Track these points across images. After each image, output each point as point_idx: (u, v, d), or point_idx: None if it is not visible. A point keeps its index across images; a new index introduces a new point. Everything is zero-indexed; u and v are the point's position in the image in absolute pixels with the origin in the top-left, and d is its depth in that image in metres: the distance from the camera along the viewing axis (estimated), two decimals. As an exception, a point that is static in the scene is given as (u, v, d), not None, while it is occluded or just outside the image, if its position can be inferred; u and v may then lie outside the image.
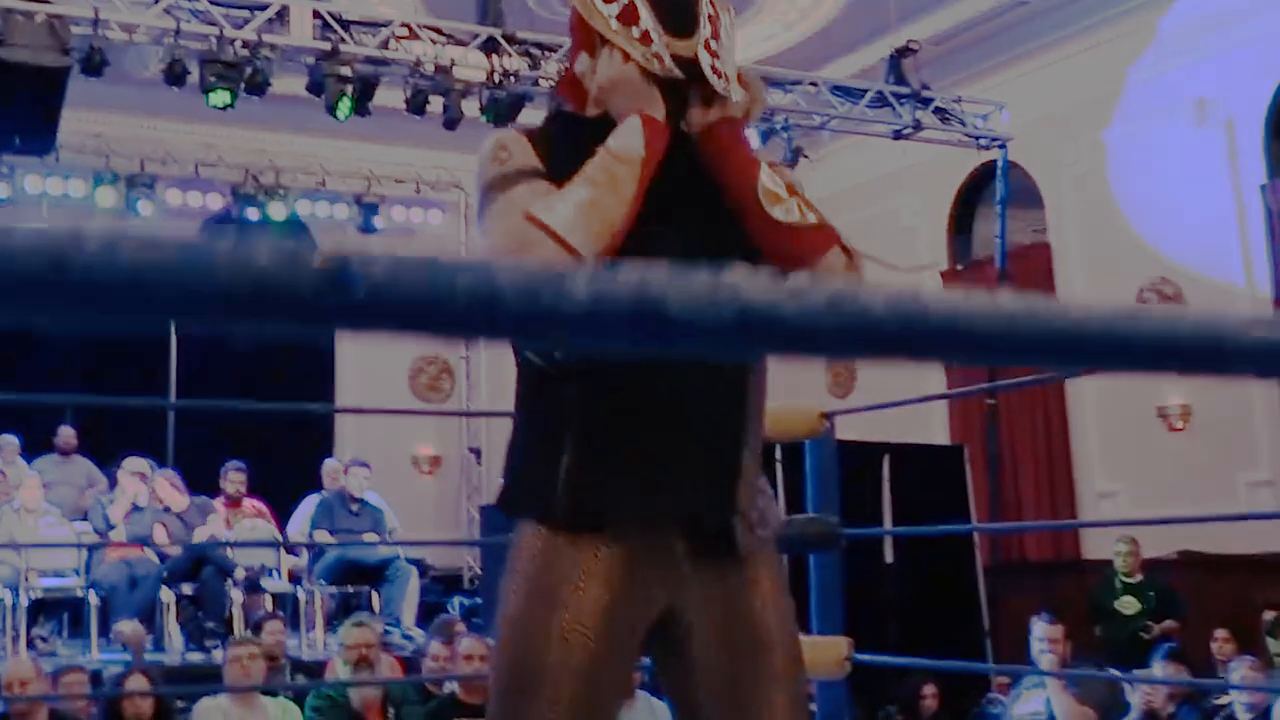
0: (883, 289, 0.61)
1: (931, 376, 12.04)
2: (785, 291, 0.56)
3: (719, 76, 1.95)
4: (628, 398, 1.92)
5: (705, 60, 1.95)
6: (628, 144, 1.89)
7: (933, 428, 11.71)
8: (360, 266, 0.52)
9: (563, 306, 0.51)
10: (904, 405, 4.49)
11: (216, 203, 12.78)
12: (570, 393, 1.94)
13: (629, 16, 1.96)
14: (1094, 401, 10.77)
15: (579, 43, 2.07)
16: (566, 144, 1.98)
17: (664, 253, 1.91)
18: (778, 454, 5.84)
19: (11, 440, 9.92)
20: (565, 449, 1.92)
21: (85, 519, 9.41)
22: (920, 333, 0.61)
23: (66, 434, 10.33)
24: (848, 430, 9.44)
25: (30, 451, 10.10)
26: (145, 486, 9.13)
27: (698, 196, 1.99)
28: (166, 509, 9.10)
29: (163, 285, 0.52)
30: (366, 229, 13.33)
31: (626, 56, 1.94)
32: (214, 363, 12.24)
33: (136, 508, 9.04)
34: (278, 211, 12.70)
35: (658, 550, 1.93)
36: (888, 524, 8.26)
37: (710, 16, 1.98)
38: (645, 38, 1.95)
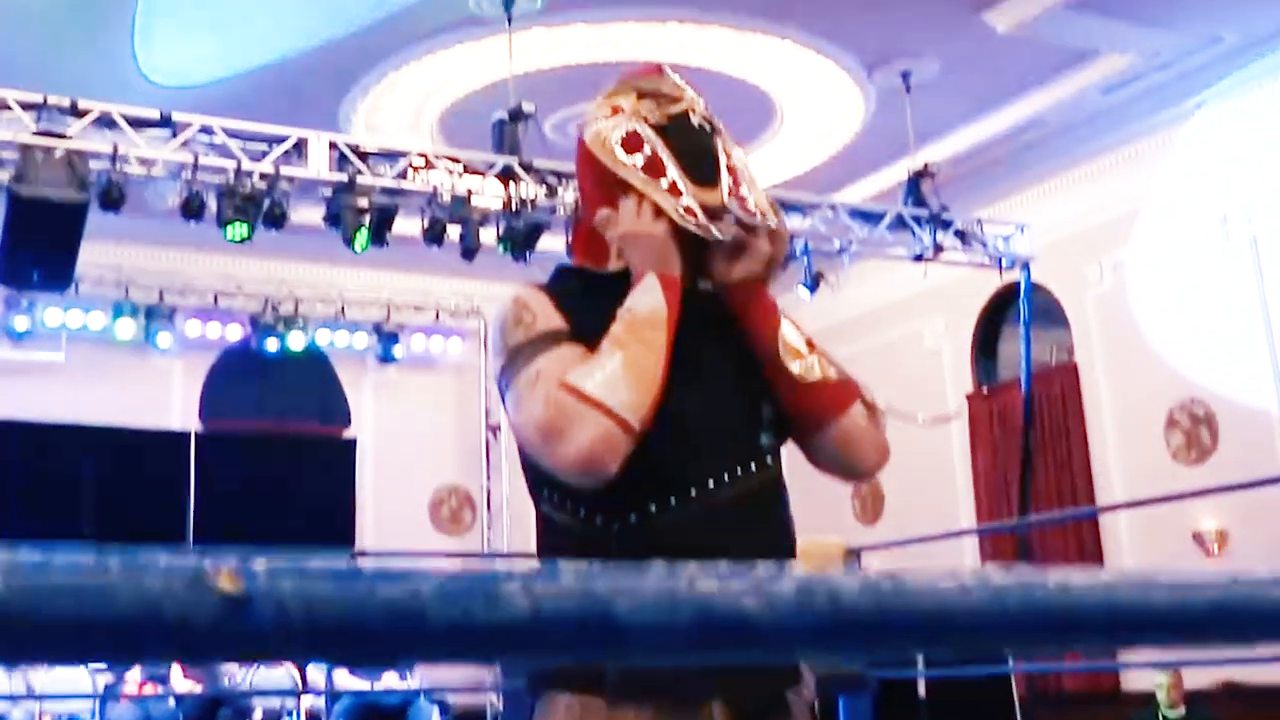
0: (855, 577, 0.55)
1: (961, 505, 11.84)
2: (749, 584, 0.49)
3: (753, 216, 1.91)
4: (674, 550, 1.80)
5: (734, 206, 1.90)
6: (651, 302, 1.85)
7: (963, 556, 11.47)
8: (266, 585, 0.40)
9: (499, 618, 0.39)
10: (935, 540, 4.34)
11: (236, 333, 12.77)
12: (606, 552, 1.83)
13: (655, 168, 1.91)
14: (1128, 527, 10.53)
15: (598, 196, 1.99)
16: (588, 302, 1.92)
17: (694, 409, 1.87)
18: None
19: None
20: None
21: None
22: (900, 622, 0.56)
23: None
24: (875, 560, 9.26)
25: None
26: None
27: (723, 348, 1.94)
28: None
29: (41, 619, 0.41)
30: (386, 358, 13.29)
31: (657, 210, 1.89)
32: (233, 496, 12.16)
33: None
34: (297, 341, 12.68)
35: (698, 714, 1.84)
36: (920, 662, 8.00)
37: (729, 167, 1.95)
38: (674, 189, 1.89)
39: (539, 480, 1.93)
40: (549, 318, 1.89)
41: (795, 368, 1.89)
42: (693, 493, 1.82)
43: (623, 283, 1.90)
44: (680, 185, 1.89)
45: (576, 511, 1.87)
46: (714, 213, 1.89)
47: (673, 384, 1.85)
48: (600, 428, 1.75)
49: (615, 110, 1.96)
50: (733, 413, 1.91)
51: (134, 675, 8.72)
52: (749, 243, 1.90)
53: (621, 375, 1.77)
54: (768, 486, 1.91)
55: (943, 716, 8.10)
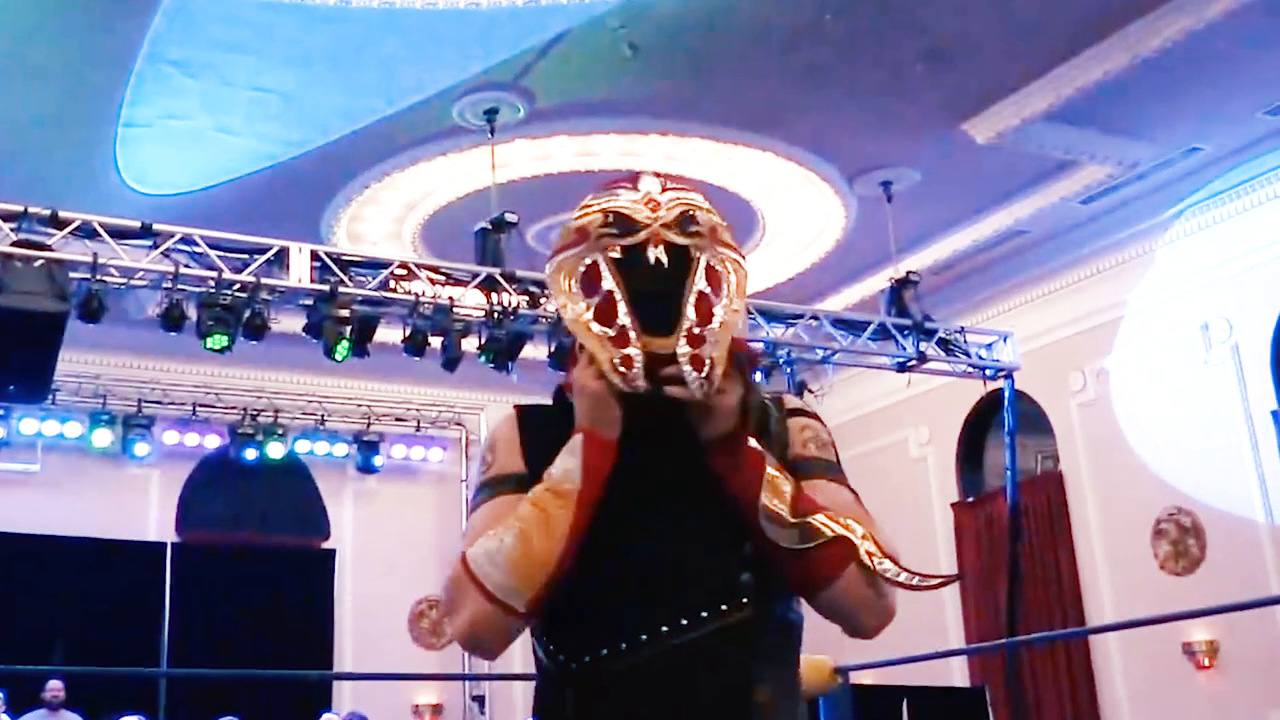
0: None
1: (949, 615, 11.69)
2: None
3: (698, 370, 1.75)
4: (626, 699, 1.75)
5: (683, 354, 1.76)
6: (564, 470, 1.77)
7: (952, 669, 11.29)
8: None
9: None
10: (924, 660, 4.23)
11: (214, 442, 12.63)
12: (569, 695, 1.79)
13: (607, 312, 1.79)
14: (1117, 640, 10.39)
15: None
16: (549, 432, 1.85)
17: (654, 550, 1.77)
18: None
19: (-3, 696, 9.54)
20: None
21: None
22: None
23: (55, 687, 9.91)
24: (865, 673, 9.09)
25: (17, 706, 9.69)
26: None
27: (702, 479, 1.81)
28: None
29: None
30: (366, 468, 13.15)
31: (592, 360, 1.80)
32: (209, 607, 11.95)
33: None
34: (276, 450, 12.54)
35: None
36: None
37: (699, 297, 1.80)
38: (621, 337, 1.77)
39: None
40: (506, 459, 1.87)
41: (782, 538, 1.74)
42: (644, 637, 1.74)
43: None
44: (629, 331, 1.77)
45: (548, 647, 1.83)
46: (663, 360, 1.75)
47: (631, 524, 1.77)
48: (480, 608, 1.73)
49: (580, 237, 1.86)
50: (702, 552, 1.79)
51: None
52: (710, 400, 1.77)
53: (506, 556, 1.73)
54: (741, 630, 1.77)
55: None
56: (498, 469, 1.87)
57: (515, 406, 1.96)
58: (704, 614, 1.76)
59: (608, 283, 1.81)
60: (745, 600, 1.79)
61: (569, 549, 1.74)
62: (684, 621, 1.75)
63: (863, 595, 1.78)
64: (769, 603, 1.82)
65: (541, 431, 1.87)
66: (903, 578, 1.79)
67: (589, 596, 1.77)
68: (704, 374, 1.76)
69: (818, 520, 1.76)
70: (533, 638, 1.87)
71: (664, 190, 1.88)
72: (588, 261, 1.84)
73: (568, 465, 1.77)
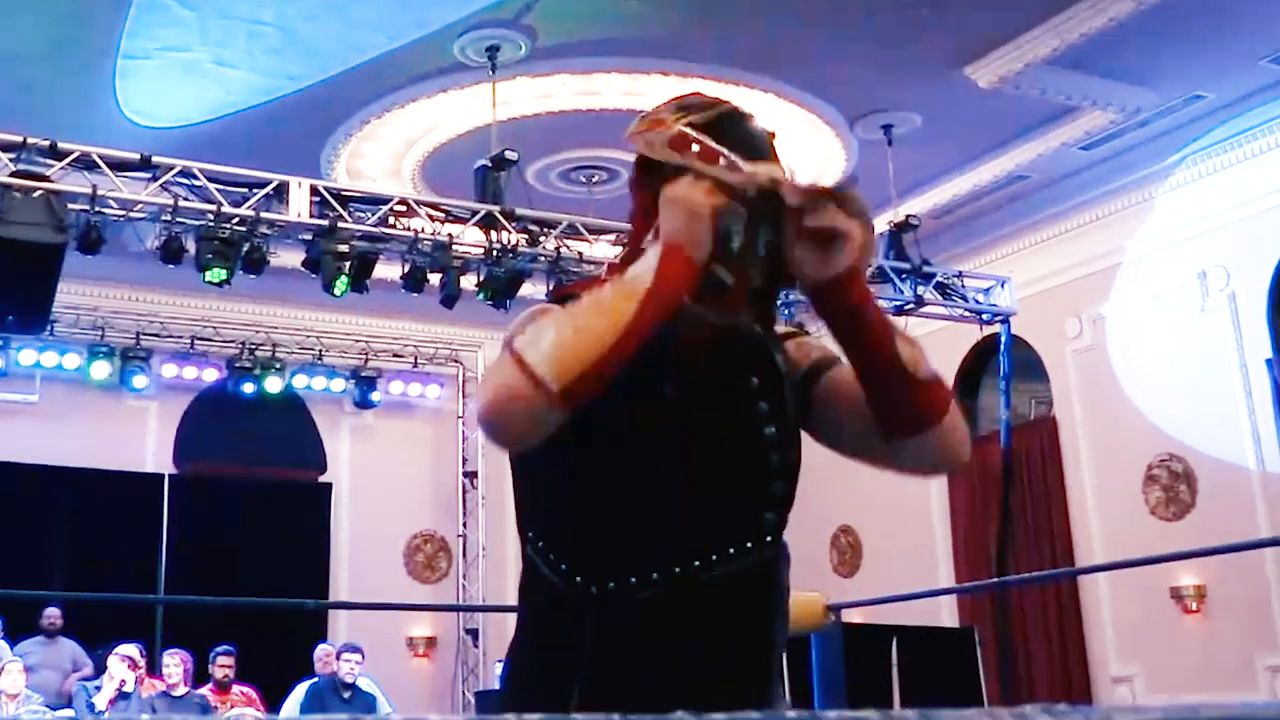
0: None
1: (940, 556, 11.80)
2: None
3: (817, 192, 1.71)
4: (649, 628, 1.76)
5: (793, 178, 1.78)
6: (638, 273, 1.68)
7: (941, 609, 11.40)
8: None
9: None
10: (914, 599, 4.29)
11: (212, 376, 12.66)
12: (585, 618, 1.77)
13: (708, 156, 1.80)
14: (1106, 583, 10.49)
15: (654, 207, 1.79)
16: None
17: (693, 477, 1.78)
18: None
19: (-8, 621, 9.64)
20: (575, 681, 1.75)
21: (70, 705, 9.09)
22: None
23: (52, 614, 10.01)
24: (854, 612, 9.19)
25: (14, 632, 9.79)
26: (133, 674, 8.87)
27: (735, 399, 1.83)
28: (161, 694, 8.86)
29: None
30: (363, 403, 13.19)
31: (713, 188, 1.71)
32: (206, 539, 12.03)
33: (123, 695, 8.75)
34: (274, 385, 12.57)
35: None
36: (897, 709, 7.94)
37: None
38: (733, 167, 1.78)
39: (530, 522, 1.88)
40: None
41: (920, 368, 1.74)
42: (677, 570, 1.75)
43: None
44: (739, 164, 1.78)
45: (559, 565, 1.80)
46: (777, 185, 1.72)
47: (669, 455, 1.77)
48: (511, 378, 1.61)
49: (657, 124, 1.88)
50: (734, 489, 1.82)
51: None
52: (842, 228, 1.68)
53: (556, 329, 1.63)
54: (764, 569, 1.82)
55: (909, 661, 8.05)
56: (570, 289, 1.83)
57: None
58: (732, 550, 1.78)
59: (699, 140, 1.82)
60: (769, 540, 1.83)
61: (624, 342, 1.62)
62: (714, 556, 1.77)
63: (964, 426, 1.85)
64: (782, 544, 1.86)
65: None
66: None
67: (621, 521, 1.77)
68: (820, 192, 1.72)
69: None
70: (539, 559, 1.83)
71: None
72: (673, 133, 1.85)
73: (643, 269, 1.68)
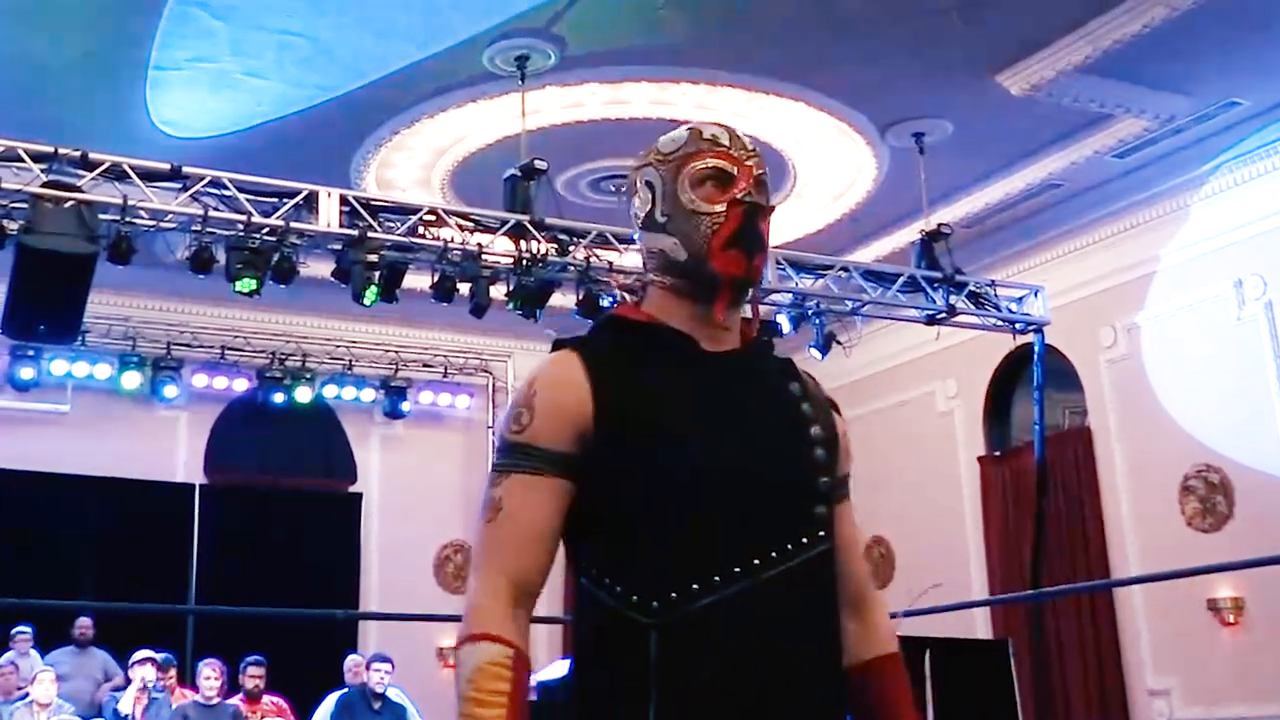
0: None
1: (973, 567, 11.70)
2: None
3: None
4: (719, 645, 1.71)
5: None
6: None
7: (975, 621, 11.30)
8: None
9: None
10: (948, 610, 4.22)
11: (242, 386, 12.69)
12: (651, 639, 1.72)
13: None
14: (1142, 595, 10.37)
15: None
16: (645, 355, 1.86)
17: (746, 469, 1.77)
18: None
19: (25, 631, 9.66)
20: (650, 703, 1.70)
21: (100, 715, 9.12)
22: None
23: (83, 624, 10.05)
24: (886, 624, 9.10)
25: (46, 642, 9.83)
26: (154, 671, 8.91)
27: (767, 407, 1.89)
28: (193, 703, 8.89)
29: None
30: (393, 413, 13.20)
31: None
32: (236, 549, 12.05)
33: (152, 698, 8.78)
34: (304, 395, 12.59)
35: None
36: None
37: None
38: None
39: (578, 548, 1.83)
40: (544, 426, 1.79)
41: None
42: (736, 570, 1.71)
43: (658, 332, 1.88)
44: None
45: (615, 589, 1.75)
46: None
47: (716, 455, 1.76)
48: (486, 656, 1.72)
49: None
50: (783, 485, 1.80)
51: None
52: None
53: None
54: (822, 564, 1.80)
55: (943, 673, 7.97)
56: (530, 435, 1.79)
57: (569, 348, 1.87)
58: (789, 546, 1.76)
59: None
60: (822, 534, 1.81)
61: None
62: (773, 554, 1.74)
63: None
64: (833, 538, 1.86)
65: (612, 366, 1.83)
66: None
67: (673, 531, 1.73)
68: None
69: None
70: (595, 588, 1.78)
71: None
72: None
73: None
